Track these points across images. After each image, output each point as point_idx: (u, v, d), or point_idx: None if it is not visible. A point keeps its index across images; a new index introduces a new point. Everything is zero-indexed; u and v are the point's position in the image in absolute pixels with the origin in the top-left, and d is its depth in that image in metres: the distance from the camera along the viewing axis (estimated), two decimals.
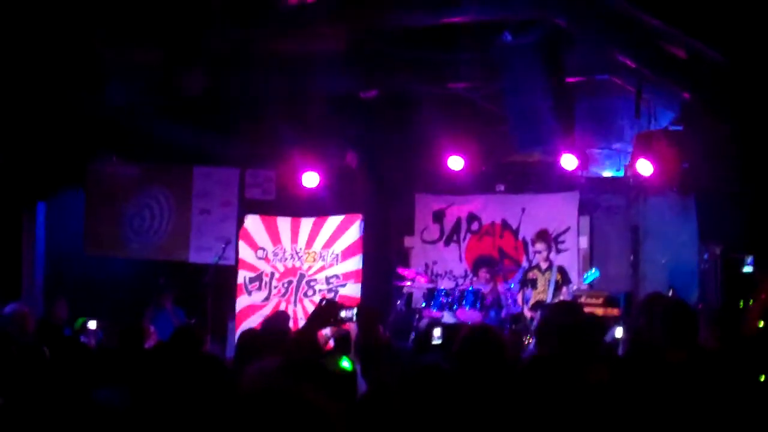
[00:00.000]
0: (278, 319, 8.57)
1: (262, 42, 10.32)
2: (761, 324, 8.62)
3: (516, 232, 13.27)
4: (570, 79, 10.75)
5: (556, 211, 12.99)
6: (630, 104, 11.12)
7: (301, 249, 11.96)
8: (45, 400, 4.94)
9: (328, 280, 11.80)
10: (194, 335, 6.97)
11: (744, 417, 4.43)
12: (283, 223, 12.10)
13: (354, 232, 11.79)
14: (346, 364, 4.80)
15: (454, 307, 11.84)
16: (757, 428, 4.41)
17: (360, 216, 11.91)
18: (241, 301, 12.14)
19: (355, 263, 11.74)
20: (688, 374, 4.58)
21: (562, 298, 11.18)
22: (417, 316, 12.15)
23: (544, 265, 11.62)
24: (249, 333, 7.04)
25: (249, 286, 12.08)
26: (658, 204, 12.33)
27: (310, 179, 12.53)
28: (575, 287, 11.72)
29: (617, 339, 8.29)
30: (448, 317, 11.80)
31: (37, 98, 11.16)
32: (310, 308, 10.18)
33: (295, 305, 11.85)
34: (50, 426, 4.67)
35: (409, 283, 12.69)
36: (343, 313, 4.96)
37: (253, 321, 11.42)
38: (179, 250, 13.03)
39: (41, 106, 11.35)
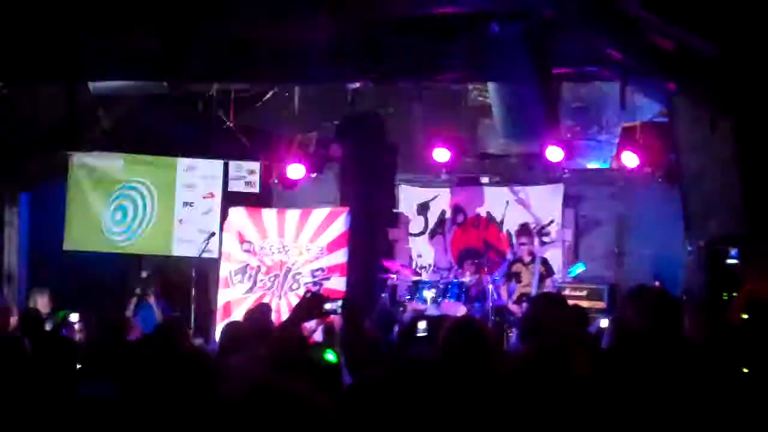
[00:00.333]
0: (260, 310, 8.54)
1: (251, 33, 10.26)
2: (745, 316, 8.63)
3: (500, 225, 13.27)
4: (556, 71, 10.74)
5: (541, 204, 13.00)
6: (616, 96, 11.12)
7: (288, 243, 11.92)
8: (28, 392, 4.90)
9: (313, 273, 11.78)
10: (178, 328, 6.95)
11: (728, 407, 4.43)
12: (269, 216, 12.05)
13: (340, 225, 11.76)
14: (330, 357, 4.78)
15: (439, 299, 11.83)
16: (740, 419, 4.42)
17: (346, 209, 11.88)
18: (225, 294, 12.09)
19: (341, 256, 11.71)
20: (672, 365, 4.58)
21: (546, 290, 11.19)
22: (401, 309, 12.14)
23: (527, 259, 11.63)
24: (232, 326, 7.01)
25: (233, 279, 12.03)
26: (643, 196, 12.35)
27: (295, 171, 12.48)
28: (560, 279, 11.74)
29: (601, 330, 8.29)
30: (432, 310, 11.79)
31: (20, 88, 11.08)
32: (295, 302, 10.14)
33: (280, 299, 11.82)
34: (33, 419, 4.64)
35: (393, 276, 12.68)
36: (327, 306, 4.94)
37: (238, 314, 11.37)
38: (162, 242, 12.96)
39: (23, 96, 11.26)
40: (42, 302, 10.79)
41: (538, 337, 5.07)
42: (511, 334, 10.91)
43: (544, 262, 11.51)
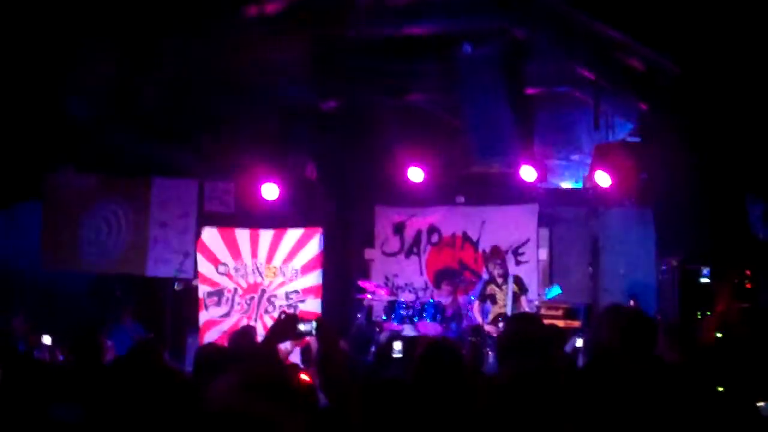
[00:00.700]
0: (244, 334, 8.49)
1: (221, 53, 10.26)
2: (718, 335, 8.69)
3: (476, 244, 13.31)
4: (529, 91, 10.81)
5: (516, 224, 13.05)
6: (589, 116, 11.20)
7: (261, 264, 11.86)
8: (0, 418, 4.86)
9: (288, 295, 11.72)
10: (152, 349, 6.89)
11: (702, 426, 4.45)
12: (242, 236, 12.00)
13: (314, 247, 11.72)
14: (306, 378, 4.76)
15: (415, 319, 11.84)
16: None
17: (320, 230, 11.85)
18: (203, 316, 12.02)
19: (315, 278, 11.67)
20: (646, 385, 4.59)
21: (522, 308, 11.19)
22: (377, 329, 12.13)
23: (500, 280, 11.60)
24: (206, 348, 6.97)
25: (207, 301, 11.95)
26: (616, 215, 12.43)
27: (270, 191, 12.45)
28: (537, 301, 11.76)
29: (577, 349, 8.33)
30: (408, 330, 11.79)
31: None
32: (270, 324, 10.11)
33: (256, 321, 11.76)
34: None
35: (369, 296, 12.66)
36: (301, 327, 4.92)
37: (211, 336, 11.30)
38: (137, 263, 12.90)
39: None
40: (18, 324, 10.73)
41: (516, 358, 5.07)
42: (489, 354, 10.90)
43: (517, 280, 11.53)
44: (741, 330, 8.81)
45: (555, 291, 11.46)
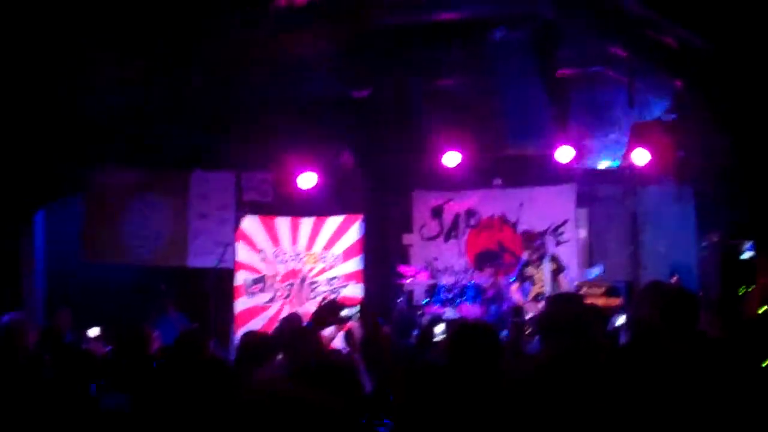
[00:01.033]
0: (291, 320, 8.56)
1: (254, 45, 10.32)
2: (762, 310, 8.64)
3: (515, 226, 13.29)
4: (562, 72, 10.77)
5: (554, 204, 13.02)
6: (623, 95, 11.14)
7: (301, 251, 11.94)
8: (50, 408, 4.95)
9: (329, 281, 11.80)
10: (197, 339, 6.98)
11: (747, 403, 4.44)
12: (282, 224, 12.09)
13: (354, 233, 11.79)
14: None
15: (456, 302, 11.87)
16: (760, 414, 4.43)
17: (360, 216, 11.91)
18: (241, 303, 12.10)
19: (356, 264, 11.74)
20: (690, 361, 4.59)
21: (561, 287, 11.19)
22: (419, 313, 12.17)
23: (538, 262, 11.57)
24: (250, 336, 7.05)
25: (251, 288, 12.05)
26: (655, 193, 12.35)
27: (307, 180, 12.52)
28: (577, 281, 11.74)
29: (618, 327, 8.30)
30: (450, 313, 11.81)
31: (33, 106, 11.15)
32: (312, 310, 10.19)
33: (300, 307, 11.85)
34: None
35: (409, 281, 12.70)
36: (344, 312, 4.98)
37: (257, 323, 11.41)
38: (178, 255, 13.02)
39: (37, 114, 11.34)
40: (63, 318, 10.87)
41: (557, 337, 5.09)
42: (531, 334, 10.90)
43: (554, 258, 11.52)
44: None
45: (597, 271, 11.43)
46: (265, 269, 11.99)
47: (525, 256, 11.84)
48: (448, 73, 11.52)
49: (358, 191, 13.30)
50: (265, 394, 3.05)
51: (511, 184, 13.41)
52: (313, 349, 5.80)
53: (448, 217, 13.72)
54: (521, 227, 13.14)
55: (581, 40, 10.28)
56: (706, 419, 4.30)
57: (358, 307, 4.87)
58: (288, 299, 11.86)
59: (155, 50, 10.07)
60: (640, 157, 11.05)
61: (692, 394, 4.38)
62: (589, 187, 12.93)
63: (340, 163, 13.09)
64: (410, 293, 12.90)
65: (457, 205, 13.67)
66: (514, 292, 11.50)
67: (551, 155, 11.55)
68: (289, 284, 11.89)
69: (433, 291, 12.22)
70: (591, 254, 12.86)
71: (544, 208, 13.03)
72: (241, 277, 12.13)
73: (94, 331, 9.25)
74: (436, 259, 13.67)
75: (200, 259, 12.83)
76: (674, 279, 10.61)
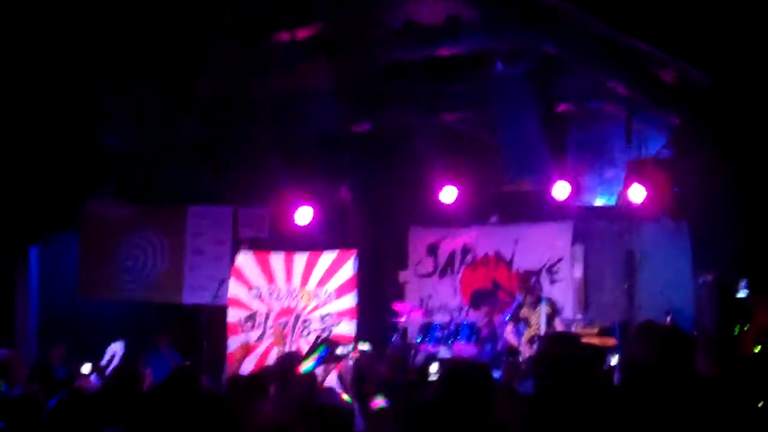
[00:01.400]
0: (291, 358, 8.48)
1: (254, 80, 10.36)
2: (757, 349, 8.61)
3: (510, 264, 13.25)
4: (561, 107, 10.80)
5: (550, 242, 12.98)
6: (621, 131, 11.17)
7: (295, 288, 11.88)
8: None
9: (322, 318, 11.71)
10: (189, 376, 6.93)
11: None
12: (277, 260, 12.03)
13: (348, 269, 11.71)
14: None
15: (450, 341, 11.80)
16: None
17: (354, 252, 11.85)
18: (235, 341, 12.02)
19: (350, 301, 11.66)
20: (685, 401, 4.56)
21: (555, 330, 11.12)
22: (413, 352, 12.10)
23: (534, 304, 11.48)
24: (235, 379, 7.00)
25: (244, 326, 11.98)
26: (651, 231, 12.33)
27: (303, 215, 12.52)
28: (574, 325, 11.70)
29: (612, 367, 8.26)
30: (444, 352, 11.75)
31: (31, 141, 11.18)
32: (306, 348, 10.12)
33: (291, 346, 11.76)
34: None
35: (404, 318, 12.65)
36: (339, 350, 4.95)
37: (249, 361, 11.32)
38: (173, 291, 13.00)
39: (35, 149, 11.36)
40: (57, 354, 10.84)
41: (553, 377, 5.05)
42: (526, 375, 10.82)
43: (550, 302, 11.46)
44: None
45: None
46: (256, 306, 11.92)
47: (520, 296, 11.80)
48: (447, 108, 11.55)
49: (355, 226, 13.30)
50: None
51: (507, 220, 13.39)
52: (307, 388, 5.77)
53: (443, 254, 13.68)
54: (516, 265, 13.11)
55: (580, 74, 10.31)
56: None
57: (351, 346, 4.84)
58: (279, 338, 11.77)
59: (155, 88, 10.11)
60: (637, 194, 11.06)
61: None
62: (585, 224, 12.92)
63: (338, 199, 13.09)
64: (404, 331, 12.84)
65: (453, 241, 13.65)
66: (509, 333, 11.43)
67: (548, 191, 11.54)
68: (283, 322, 11.81)
69: (427, 329, 12.16)
70: (586, 292, 12.81)
71: (540, 246, 13.00)
72: (234, 315, 12.04)
73: (86, 368, 9.21)
74: (430, 296, 13.63)
75: (195, 295, 12.80)
76: (669, 318, 10.59)
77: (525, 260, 12.86)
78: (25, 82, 9.94)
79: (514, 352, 11.33)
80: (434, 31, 9.53)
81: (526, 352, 10.99)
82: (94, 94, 10.23)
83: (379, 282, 13.52)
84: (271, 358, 10.71)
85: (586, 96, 11.15)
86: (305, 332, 11.59)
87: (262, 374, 7.12)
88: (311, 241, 12.66)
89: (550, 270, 12.80)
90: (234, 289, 11.98)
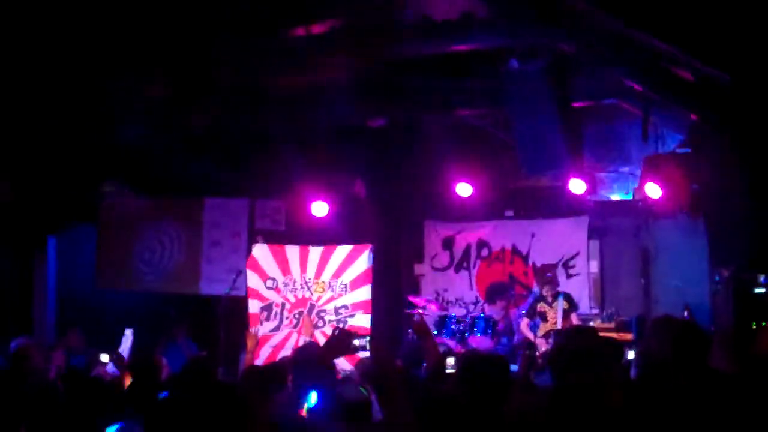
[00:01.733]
0: (309, 349, 8.49)
1: (270, 74, 10.38)
2: None
3: (526, 258, 13.27)
4: (577, 104, 10.78)
5: (566, 236, 12.99)
6: (637, 127, 11.16)
7: (310, 279, 11.91)
8: None
9: (337, 310, 11.74)
10: (205, 366, 6.97)
11: None
12: (292, 252, 12.07)
13: (363, 262, 11.74)
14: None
15: (466, 334, 11.81)
16: None
17: (369, 246, 11.88)
18: (258, 331, 12.04)
19: (365, 293, 11.69)
20: (700, 397, 4.56)
21: (571, 324, 11.10)
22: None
23: (550, 299, 11.48)
24: (250, 370, 7.01)
25: (261, 316, 12.04)
26: (667, 227, 12.32)
27: (319, 209, 12.55)
28: (588, 312, 11.69)
29: (629, 361, 8.26)
30: (459, 345, 11.76)
31: (48, 133, 11.23)
32: (321, 339, 10.15)
33: (307, 336, 11.79)
34: None
35: (419, 311, 12.65)
36: (356, 342, 4.95)
37: (264, 351, 11.37)
38: (190, 282, 13.06)
39: (52, 141, 11.42)
40: (74, 339, 10.90)
41: (570, 371, 5.05)
42: (543, 369, 10.81)
43: (567, 297, 11.44)
44: None
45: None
46: (271, 297, 11.96)
47: (536, 289, 11.78)
48: (463, 103, 11.54)
49: (370, 220, 13.32)
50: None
51: (523, 216, 13.40)
52: (327, 378, 5.79)
53: (459, 248, 13.71)
54: (532, 259, 13.12)
55: (597, 72, 10.29)
56: None
57: (368, 337, 4.85)
58: (296, 328, 11.82)
59: (170, 80, 10.14)
60: (653, 190, 11.04)
61: (703, 430, 4.35)
62: (602, 219, 12.91)
63: (353, 193, 13.12)
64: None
65: (469, 236, 13.67)
66: (524, 327, 11.44)
67: (564, 187, 11.53)
68: (298, 312, 11.86)
69: (443, 323, 12.17)
70: (602, 287, 12.81)
71: (556, 240, 13.00)
72: (254, 305, 12.09)
73: (105, 357, 9.26)
74: (446, 290, 13.66)
75: (212, 286, 12.85)
76: (685, 314, 10.57)
77: (541, 255, 12.86)
78: (43, 76, 9.99)
79: (530, 345, 11.32)
80: (450, 27, 9.53)
81: (542, 346, 10.99)
82: (111, 87, 10.27)
83: (394, 275, 13.55)
84: (288, 349, 10.77)
85: (602, 93, 11.13)
86: (320, 323, 11.63)
87: (279, 364, 7.15)
88: (326, 234, 12.70)
89: (567, 265, 12.80)
90: (251, 279, 12.03)
